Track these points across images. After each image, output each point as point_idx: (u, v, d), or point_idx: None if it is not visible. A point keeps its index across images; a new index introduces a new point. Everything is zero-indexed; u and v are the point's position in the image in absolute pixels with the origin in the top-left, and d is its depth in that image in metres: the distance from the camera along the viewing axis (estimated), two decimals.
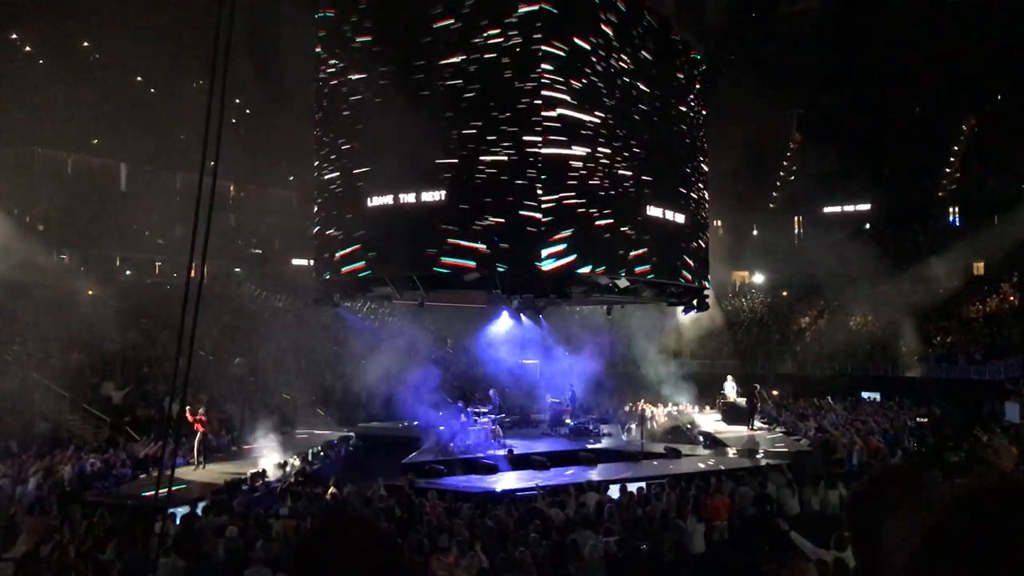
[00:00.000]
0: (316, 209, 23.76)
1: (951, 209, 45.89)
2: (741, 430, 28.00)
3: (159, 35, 34.61)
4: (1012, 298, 36.40)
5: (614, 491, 17.42)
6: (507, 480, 20.78)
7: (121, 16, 34.38)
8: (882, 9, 41.71)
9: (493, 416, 25.54)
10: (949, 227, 44.68)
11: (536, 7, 19.76)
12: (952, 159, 46.51)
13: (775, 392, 33.34)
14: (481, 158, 20.20)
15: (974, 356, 31.87)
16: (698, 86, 27.32)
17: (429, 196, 20.85)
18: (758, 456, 23.73)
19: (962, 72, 41.47)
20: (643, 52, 23.45)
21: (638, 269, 22.63)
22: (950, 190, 46.15)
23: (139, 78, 39.91)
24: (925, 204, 45.64)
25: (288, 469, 21.07)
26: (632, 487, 17.55)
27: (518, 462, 22.64)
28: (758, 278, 47.31)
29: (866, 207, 46.82)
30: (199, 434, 21.98)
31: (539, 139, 19.78)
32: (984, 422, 23.29)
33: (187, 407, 21.42)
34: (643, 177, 23.09)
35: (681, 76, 26.25)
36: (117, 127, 37.02)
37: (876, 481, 1.97)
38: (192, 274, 5.16)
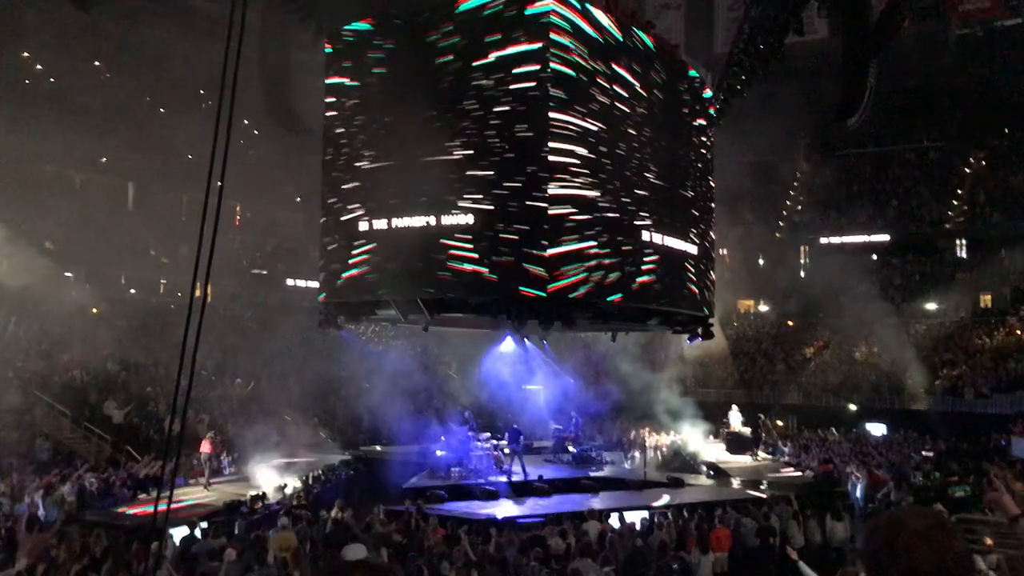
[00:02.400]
0: (322, 231, 23.76)
1: (958, 242, 45.80)
2: (745, 460, 27.83)
3: (169, 56, 34.91)
4: (1019, 331, 36.24)
5: (616, 519, 17.28)
6: (508, 507, 20.63)
7: (132, 36, 34.71)
8: (891, 40, 41.84)
9: (495, 443, 25.40)
10: (956, 259, 44.57)
11: (540, 44, 19.84)
12: (959, 192, 46.50)
13: (779, 422, 33.17)
14: (488, 186, 20.22)
15: (981, 390, 31.67)
16: (705, 115, 27.39)
17: (431, 220, 20.85)
18: (762, 487, 23.57)
19: (970, 106, 41.64)
20: (651, 81, 23.52)
21: (643, 296, 22.58)
22: (957, 223, 46.10)
23: (148, 98, 40.20)
24: (932, 236, 45.57)
25: (288, 492, 20.96)
26: (634, 516, 17.41)
27: (520, 489, 22.50)
28: (763, 307, 47.21)
29: (873, 238, 46.77)
30: (207, 455, 22.17)
31: (547, 170, 19.80)
32: (991, 457, 23.10)
33: (208, 433, 21.78)
34: (649, 205, 23.08)
35: (688, 105, 26.33)
36: (126, 146, 37.26)
37: (897, 525, 1.92)
38: (196, 293, 5.13)
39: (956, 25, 42.81)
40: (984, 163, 46.17)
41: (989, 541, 10.89)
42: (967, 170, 46.86)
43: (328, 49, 23.30)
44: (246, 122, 36.54)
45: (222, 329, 29.56)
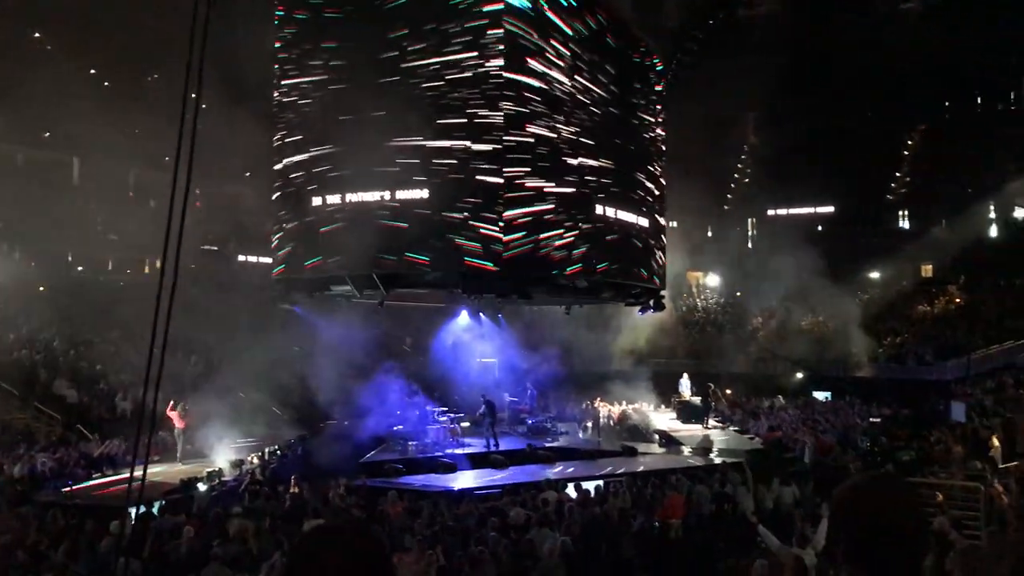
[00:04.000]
0: (275, 207, 23.60)
1: (901, 212, 46.87)
2: (696, 428, 28.38)
3: (115, 27, 34.06)
4: (959, 300, 37.28)
5: (572, 489, 17.60)
6: (466, 479, 20.87)
7: (77, 7, 33.79)
8: (839, 15, 42.48)
9: (452, 416, 25.58)
10: (899, 230, 45.64)
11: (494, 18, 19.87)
12: (903, 164, 47.52)
13: (729, 391, 33.81)
14: (439, 160, 20.27)
15: (923, 357, 32.58)
16: (656, 88, 27.62)
17: (383, 195, 20.86)
18: (712, 454, 24.10)
19: (914, 79, 42.44)
20: (601, 53, 23.66)
21: (597, 268, 22.87)
22: (901, 194, 47.14)
23: (93, 71, 39.22)
24: (876, 207, 46.56)
25: (245, 468, 20.95)
26: (590, 485, 17.74)
27: (477, 461, 22.75)
28: (713, 279, 47.93)
29: (819, 210, 47.65)
30: (179, 430, 22.02)
31: (500, 142, 19.89)
32: (932, 421, 23.83)
33: (171, 404, 21.70)
34: (601, 178, 23.31)
35: (639, 77, 26.53)
36: (70, 120, 36.34)
37: (862, 489, 2.11)
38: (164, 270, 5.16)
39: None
40: (927, 136, 47.20)
41: (940, 498, 11.37)
42: (910, 143, 47.87)
43: (280, 12, 23.07)
44: (193, 95, 35.84)
45: (174, 307, 29.17)
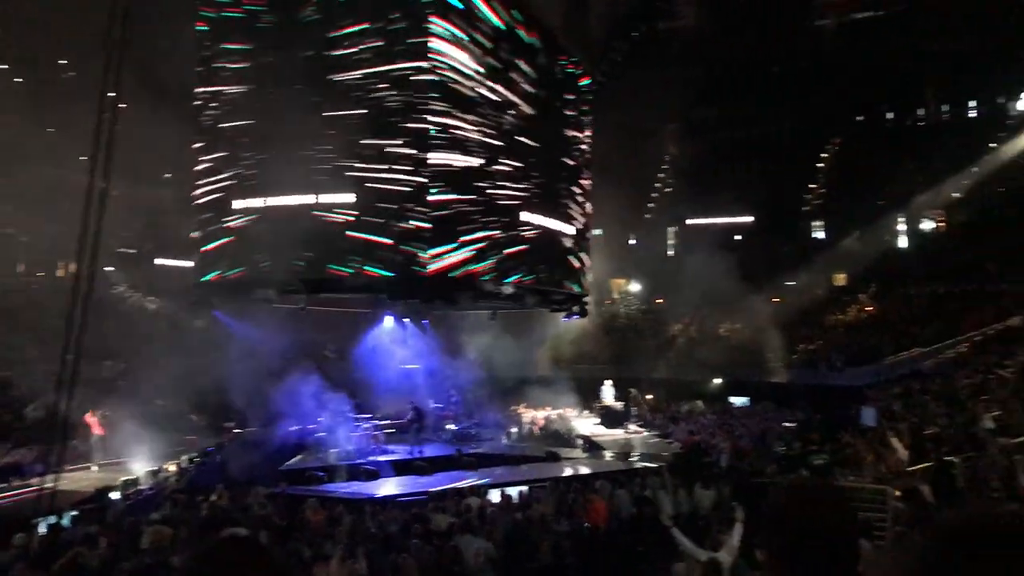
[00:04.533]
0: (195, 208, 23.16)
1: (816, 223, 48.30)
2: (618, 433, 28.75)
3: (28, 22, 32.95)
4: (870, 308, 38.53)
5: (496, 494, 17.65)
6: (389, 486, 20.76)
7: None
8: (756, 29, 43.65)
9: (375, 422, 25.43)
10: (813, 240, 47.00)
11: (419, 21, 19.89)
12: (818, 176, 49.00)
13: (649, 396, 34.32)
14: (367, 163, 20.18)
15: (835, 363, 33.55)
16: (580, 97, 27.97)
17: (310, 198, 20.68)
18: (633, 459, 24.45)
19: (829, 93, 43.86)
20: (527, 62, 23.87)
21: (522, 277, 23.03)
22: (815, 204, 48.57)
23: (3, 65, 37.84)
24: (792, 217, 47.87)
25: (162, 476, 20.47)
26: (513, 491, 17.83)
27: (400, 467, 22.65)
28: (634, 286, 48.67)
29: (737, 219, 48.77)
30: (96, 437, 21.54)
31: (425, 148, 19.90)
32: (843, 426, 24.54)
33: (90, 411, 21.14)
34: (526, 186, 23.51)
35: (564, 87, 26.83)
36: None
37: (797, 495, 2.18)
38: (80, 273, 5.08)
39: (816, 15, 45.02)
40: (840, 148, 48.75)
41: None
42: (824, 155, 49.38)
43: (203, 12, 22.69)
44: (112, 93, 34.94)
45: (89, 310, 28.33)
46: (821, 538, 2.03)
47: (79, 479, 20.19)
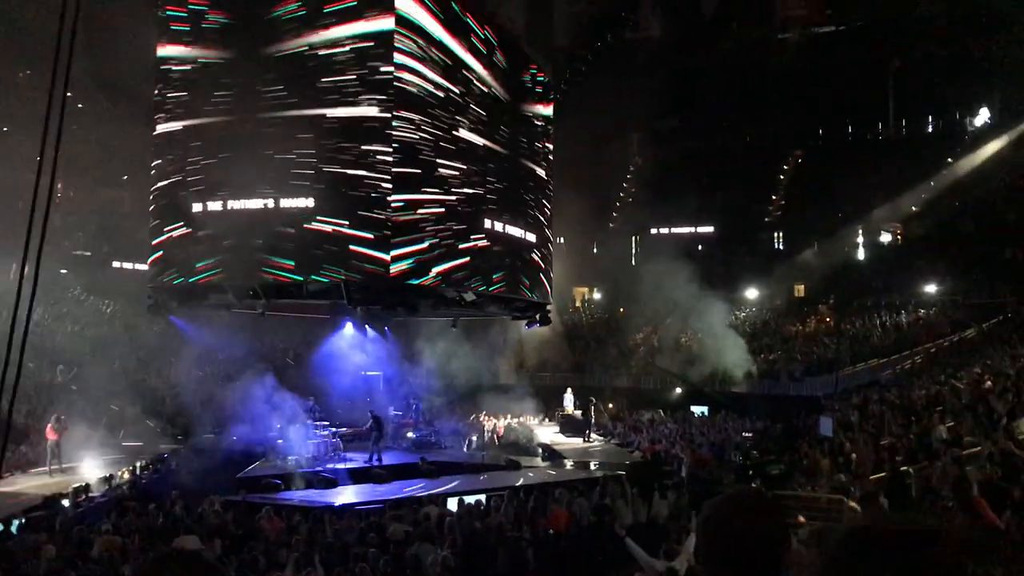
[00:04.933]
0: (152, 212, 22.81)
1: (776, 234, 48.80)
2: (578, 442, 28.75)
3: None
4: (828, 319, 38.96)
5: (455, 503, 17.53)
6: (347, 494, 20.53)
7: None
8: (720, 41, 44.13)
9: (332, 428, 25.16)
10: (774, 251, 47.47)
11: (388, 23, 19.79)
12: (779, 187, 49.54)
13: (611, 405, 34.38)
14: (328, 168, 20.02)
15: (793, 373, 33.83)
16: (544, 106, 28.01)
17: (267, 203, 20.47)
18: (593, 467, 24.44)
19: (790, 106, 44.41)
20: (491, 69, 23.86)
21: (484, 284, 22.97)
22: (776, 216, 49.09)
23: None
24: (753, 228, 48.32)
25: (114, 483, 20.06)
26: (473, 499, 17.71)
27: (358, 475, 22.43)
28: (597, 294, 48.80)
29: (699, 229, 49.13)
30: (51, 442, 21.30)
31: (388, 153, 19.78)
32: (801, 435, 24.76)
33: (51, 421, 20.80)
34: (488, 194, 23.48)
35: (528, 96, 26.86)
36: None
37: (730, 503, 2.24)
38: (23, 274, 4.93)
39: (778, 29, 45.60)
40: (800, 161, 49.37)
41: (801, 520, 11.76)
42: (785, 167, 49.96)
43: (163, 14, 22.38)
44: (69, 94, 34.37)
45: (41, 314, 27.82)
46: (743, 544, 2.12)
47: (32, 484, 19.77)
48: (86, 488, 19.05)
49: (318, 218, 20.05)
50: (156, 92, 22.31)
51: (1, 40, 30.98)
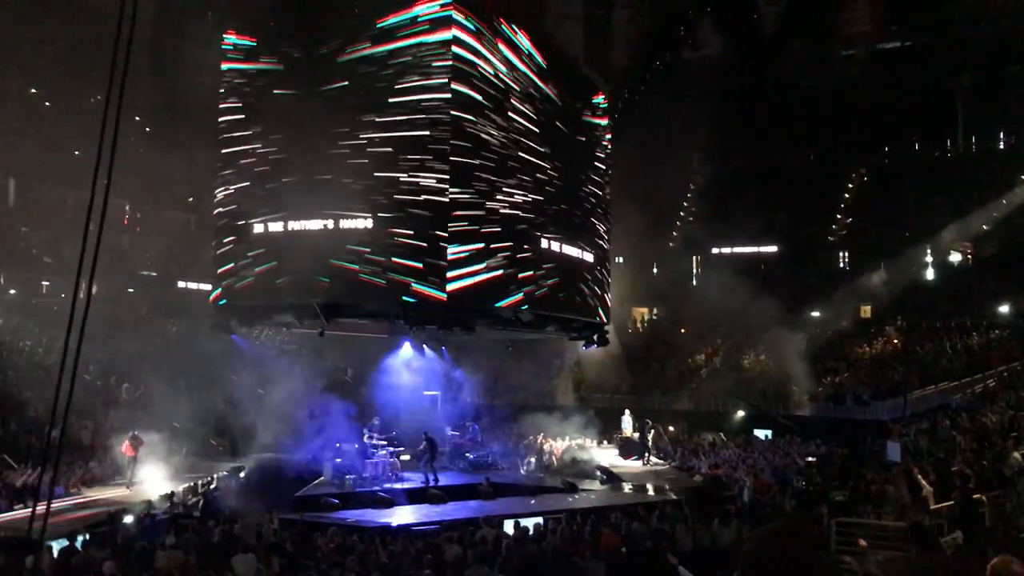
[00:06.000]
0: (216, 232, 23.23)
1: (841, 254, 47.85)
2: (636, 465, 28.38)
3: (56, 46, 33.42)
4: (896, 341, 38.00)
5: (511, 525, 17.37)
6: (403, 514, 20.52)
7: (15, 24, 33.07)
8: (782, 58, 43.58)
9: (391, 449, 25.20)
10: (839, 271, 46.54)
11: (448, 35, 19.94)
12: (844, 206, 48.65)
13: (671, 428, 33.89)
14: (386, 189, 20.17)
15: (860, 396, 33.01)
16: (603, 124, 27.90)
17: (329, 223, 20.68)
18: (651, 491, 24.06)
19: (854, 124, 43.63)
20: (550, 90, 23.85)
21: (542, 304, 22.87)
22: (841, 235, 48.17)
23: (33, 90, 38.40)
24: (817, 248, 47.47)
25: (176, 500, 20.36)
26: (529, 522, 17.54)
27: (415, 496, 22.42)
28: (656, 315, 48.30)
29: (762, 249, 48.41)
30: (129, 458, 22.56)
31: (446, 172, 19.86)
32: (867, 460, 24.08)
33: (128, 438, 21.63)
34: (548, 213, 23.41)
35: (586, 116, 26.79)
36: (7, 139, 35.44)
37: (772, 535, 2.28)
38: (80, 294, 4.95)
39: (841, 46, 44.85)
40: (866, 179, 48.40)
41: (863, 543, 11.39)
42: (850, 186, 49.04)
43: (229, 40, 22.84)
44: (137, 118, 35.40)
45: (108, 333, 28.48)
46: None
47: (109, 498, 20.63)
48: (149, 504, 19.36)
49: (377, 238, 20.17)
50: (220, 120, 22.76)
51: (73, 64, 32.03)
